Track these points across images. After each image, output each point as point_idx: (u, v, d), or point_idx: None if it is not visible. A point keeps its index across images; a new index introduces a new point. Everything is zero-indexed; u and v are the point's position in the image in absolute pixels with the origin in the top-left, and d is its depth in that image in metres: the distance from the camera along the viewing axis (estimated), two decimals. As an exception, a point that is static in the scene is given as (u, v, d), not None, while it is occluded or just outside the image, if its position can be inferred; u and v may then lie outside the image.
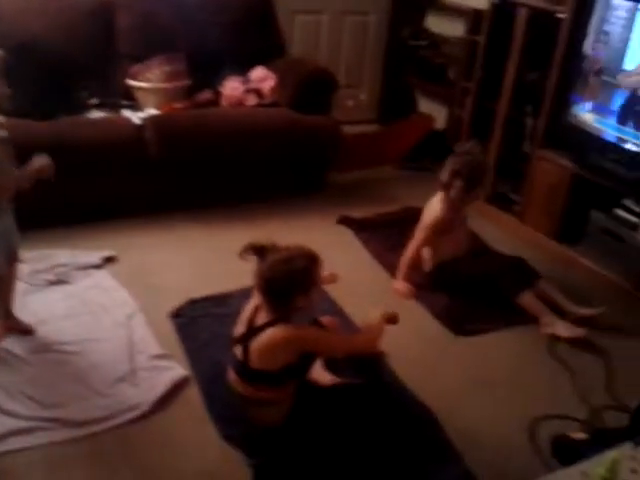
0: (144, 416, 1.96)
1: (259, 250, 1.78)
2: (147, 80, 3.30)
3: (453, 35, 4.16)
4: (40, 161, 2.03)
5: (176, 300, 2.51)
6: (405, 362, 2.27)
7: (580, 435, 1.95)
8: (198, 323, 2.40)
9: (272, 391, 1.84)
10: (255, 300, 1.87)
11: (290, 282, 1.76)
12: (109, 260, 2.77)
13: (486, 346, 2.46)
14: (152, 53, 3.31)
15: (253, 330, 1.81)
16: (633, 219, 2.84)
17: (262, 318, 1.82)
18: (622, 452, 1.29)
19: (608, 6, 2.79)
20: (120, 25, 3.41)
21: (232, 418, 1.95)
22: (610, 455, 1.27)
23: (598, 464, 1.27)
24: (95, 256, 2.75)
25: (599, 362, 2.38)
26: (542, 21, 3.19)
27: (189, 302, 2.51)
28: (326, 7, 4.30)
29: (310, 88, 3.44)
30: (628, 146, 2.76)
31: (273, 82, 3.46)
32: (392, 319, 2.02)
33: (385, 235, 3.19)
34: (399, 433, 1.93)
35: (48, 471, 1.77)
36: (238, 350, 1.84)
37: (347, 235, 3.20)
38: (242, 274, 2.62)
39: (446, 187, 2.62)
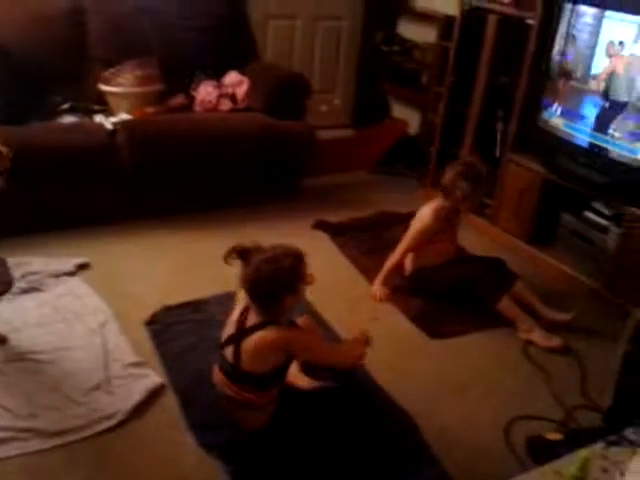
0: (120, 425, 1.94)
1: (243, 253, 1.77)
2: (119, 85, 3.27)
3: (425, 41, 4.20)
4: None
5: (151, 307, 2.49)
6: (382, 365, 2.28)
7: (555, 435, 1.98)
8: (173, 330, 2.39)
9: (259, 393, 1.84)
10: (244, 301, 1.86)
11: (277, 283, 1.75)
12: (82, 267, 2.74)
13: (461, 348, 2.48)
14: (124, 58, 3.28)
15: (244, 331, 1.80)
16: (603, 222, 2.90)
17: (252, 319, 1.81)
18: (593, 451, 1.32)
19: (575, 12, 2.86)
20: (92, 30, 3.38)
21: (209, 425, 1.95)
22: (582, 454, 1.29)
23: (570, 463, 1.29)
24: (68, 263, 2.72)
25: (572, 363, 2.42)
26: (512, 27, 3.25)
27: (164, 309, 2.50)
28: (299, 12, 4.32)
29: (284, 93, 3.44)
30: (597, 150, 2.82)
31: (247, 86, 3.46)
32: (367, 340, 2.06)
33: (361, 239, 3.22)
34: (376, 436, 1.95)
35: (24, 482, 1.74)
36: (228, 351, 1.83)
37: (323, 240, 3.21)
38: (217, 280, 2.65)
39: (448, 191, 2.62)
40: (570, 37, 2.90)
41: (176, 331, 2.38)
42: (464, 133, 3.58)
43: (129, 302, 2.53)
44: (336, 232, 3.26)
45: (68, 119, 3.16)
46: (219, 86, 3.46)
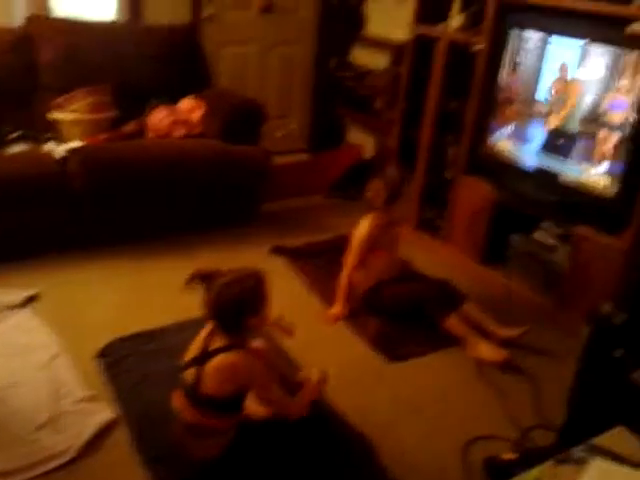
0: (71, 462, 1.88)
1: (205, 277, 1.77)
2: (71, 112, 3.24)
3: (378, 67, 4.29)
4: None
5: (103, 338, 2.44)
6: (340, 389, 2.28)
7: (510, 455, 2.00)
8: (126, 362, 2.34)
9: (219, 419, 1.81)
10: (209, 325, 1.85)
11: (240, 305, 1.75)
12: (32, 299, 2.68)
13: (418, 370, 2.50)
14: (77, 85, 3.26)
15: (208, 354, 1.79)
16: (551, 241, 2.97)
17: (217, 342, 1.80)
18: (543, 470, 1.33)
19: (521, 38, 2.95)
20: (43, 58, 3.35)
21: (163, 459, 1.90)
22: (532, 473, 1.31)
23: (521, 482, 1.31)
24: (18, 295, 2.65)
25: (526, 382, 2.46)
26: (460, 52, 3.33)
27: (117, 340, 2.45)
28: (252, 39, 4.36)
29: (239, 119, 3.45)
30: (544, 171, 2.90)
31: (201, 112, 3.46)
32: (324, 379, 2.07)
33: (318, 264, 3.22)
34: (334, 463, 1.93)
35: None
36: (190, 374, 1.80)
37: (281, 265, 3.20)
38: (172, 308, 2.61)
39: (371, 200, 2.77)
40: (516, 62, 2.99)
41: (129, 363, 2.33)
42: (418, 156, 3.64)
43: (81, 334, 2.47)
44: (293, 257, 3.27)
45: (18, 148, 3.10)
46: (173, 112, 3.45)
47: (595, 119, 2.64)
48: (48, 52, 3.35)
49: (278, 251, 3.30)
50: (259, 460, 1.85)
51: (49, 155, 3.03)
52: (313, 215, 3.90)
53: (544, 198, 2.88)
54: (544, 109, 2.88)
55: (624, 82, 2.51)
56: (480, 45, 3.11)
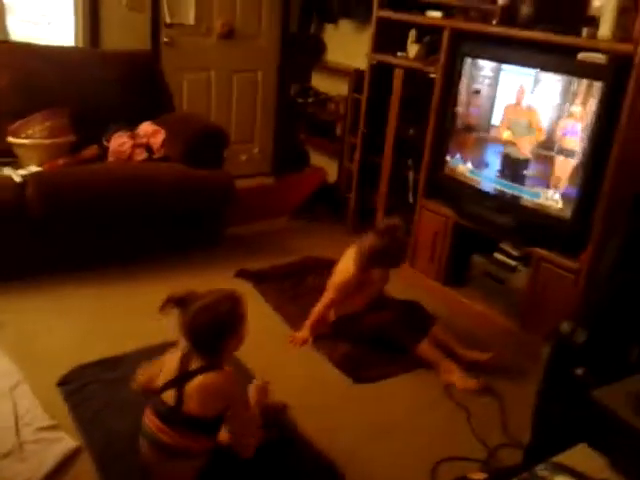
0: (32, 495, 1.82)
1: (179, 302, 1.75)
2: (28, 136, 3.17)
3: (338, 93, 4.36)
4: None
5: (64, 366, 2.38)
6: (307, 412, 2.27)
7: (479, 475, 2.01)
8: (88, 390, 2.28)
9: (197, 440, 1.78)
10: (181, 347, 1.82)
11: (217, 328, 1.75)
12: (-10, 327, 2.59)
13: (384, 392, 2.51)
14: (33, 110, 3.20)
15: (188, 374, 1.76)
16: (511, 262, 3.05)
17: (195, 363, 1.78)
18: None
19: (475, 66, 3.05)
20: (-1, 83, 3.29)
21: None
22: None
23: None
24: (-27, 324, 2.57)
25: (493, 402, 2.49)
26: (417, 80, 3.43)
27: (78, 368, 2.39)
28: (213, 64, 4.38)
29: (201, 143, 3.44)
30: (501, 194, 2.98)
31: (162, 137, 3.45)
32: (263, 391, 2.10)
33: (283, 286, 3.23)
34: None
35: None
36: (168, 395, 1.77)
37: (246, 288, 3.17)
38: (135, 334, 2.57)
39: (364, 258, 2.65)
40: (471, 89, 3.08)
41: (91, 391, 2.27)
42: (379, 180, 3.70)
43: (41, 362, 2.41)
44: (258, 280, 3.26)
45: (-27, 173, 3.03)
46: (133, 136, 3.43)
47: (550, 145, 2.74)
48: (3, 77, 3.30)
49: (243, 275, 3.29)
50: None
51: (8, 179, 2.96)
52: (278, 238, 3.91)
53: (501, 220, 2.95)
54: (500, 134, 2.98)
55: (576, 109, 2.62)
56: (434, 74, 3.20)
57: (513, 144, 2.91)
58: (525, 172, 2.86)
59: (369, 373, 2.59)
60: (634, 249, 2.05)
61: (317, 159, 4.72)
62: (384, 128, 3.63)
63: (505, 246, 3.10)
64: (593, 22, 2.62)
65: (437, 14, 3.26)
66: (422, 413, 2.41)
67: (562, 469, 1.39)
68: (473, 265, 3.24)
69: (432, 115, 3.28)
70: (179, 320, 1.76)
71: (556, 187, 2.74)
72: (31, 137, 3.18)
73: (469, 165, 3.14)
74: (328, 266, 2.92)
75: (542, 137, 2.77)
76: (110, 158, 3.38)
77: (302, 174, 4.66)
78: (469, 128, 3.12)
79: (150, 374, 1.92)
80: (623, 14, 2.46)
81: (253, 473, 1.88)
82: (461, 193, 3.19)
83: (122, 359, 2.48)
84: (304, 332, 2.78)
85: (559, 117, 2.69)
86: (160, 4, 4.03)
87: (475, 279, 3.24)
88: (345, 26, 4.38)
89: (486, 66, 3.01)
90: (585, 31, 2.60)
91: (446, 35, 3.14)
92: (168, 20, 4.10)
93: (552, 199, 2.76)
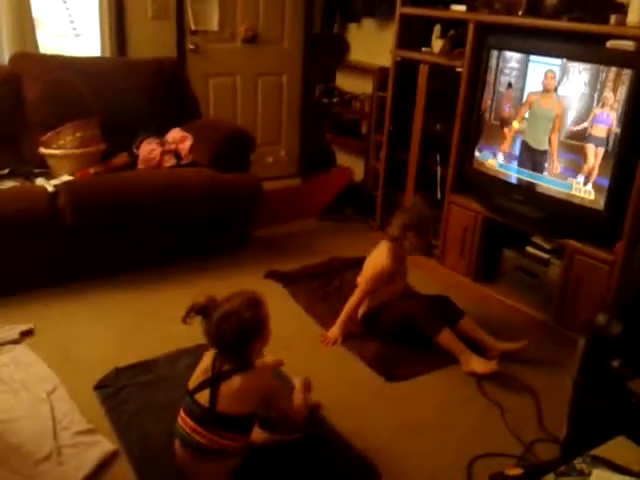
0: (71, 497, 1.86)
1: (202, 310, 1.78)
2: (59, 147, 3.24)
3: (363, 92, 4.35)
4: None
5: (100, 370, 2.42)
6: (339, 411, 2.27)
7: (515, 471, 1.98)
8: (124, 393, 2.31)
9: (233, 439, 1.80)
10: (212, 351, 1.86)
11: (242, 335, 1.77)
12: (27, 334, 2.65)
13: (417, 389, 2.49)
14: (64, 120, 3.26)
15: (222, 374, 1.80)
16: (543, 255, 3.00)
17: (227, 365, 1.81)
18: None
19: (502, 58, 3.01)
20: (29, 95, 3.36)
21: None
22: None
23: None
24: (12, 331, 2.62)
25: (527, 397, 2.46)
26: (443, 76, 3.40)
27: (114, 372, 2.42)
28: (238, 69, 4.42)
29: (228, 147, 3.48)
30: (531, 187, 2.94)
31: (190, 142, 3.49)
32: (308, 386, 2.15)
33: (313, 286, 3.23)
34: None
35: None
36: (202, 396, 1.80)
37: (276, 289, 3.20)
38: (168, 338, 2.60)
39: (397, 240, 2.70)
40: (498, 82, 3.05)
41: (127, 394, 2.31)
42: (406, 177, 3.68)
43: (77, 367, 2.45)
44: (288, 281, 3.27)
45: (8, 184, 3.10)
46: (162, 143, 3.48)
47: (580, 134, 2.69)
48: (34, 89, 3.37)
49: (273, 276, 3.30)
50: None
51: (40, 189, 3.03)
52: (307, 238, 3.91)
53: (532, 213, 2.91)
54: (529, 126, 2.93)
55: (606, 97, 2.57)
56: (460, 68, 3.18)
57: (543, 135, 2.86)
58: (556, 163, 2.81)
59: (401, 371, 2.58)
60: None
61: (343, 158, 4.72)
62: (410, 125, 3.61)
63: (537, 239, 3.05)
64: (622, 9, 2.56)
65: (461, 8, 3.24)
66: (455, 410, 2.39)
67: (601, 462, 1.37)
68: (504, 260, 3.19)
69: (459, 109, 3.25)
70: (203, 328, 1.79)
71: (588, 177, 2.68)
72: (62, 147, 3.25)
73: (499, 158, 3.10)
74: (356, 265, 2.91)
75: (573, 126, 2.72)
76: (140, 165, 3.43)
77: (329, 174, 4.67)
78: (498, 121, 3.08)
79: None
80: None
81: (288, 472, 1.89)
82: (490, 187, 3.16)
83: (157, 362, 2.51)
84: (335, 330, 2.78)
85: (589, 106, 2.64)
86: (185, 11, 4.08)
87: (506, 274, 3.19)
88: (368, 25, 4.37)
89: (513, 58, 2.97)
90: (613, 18, 2.55)
91: (471, 28, 3.11)
92: (193, 27, 4.15)
93: (584, 190, 2.71)
